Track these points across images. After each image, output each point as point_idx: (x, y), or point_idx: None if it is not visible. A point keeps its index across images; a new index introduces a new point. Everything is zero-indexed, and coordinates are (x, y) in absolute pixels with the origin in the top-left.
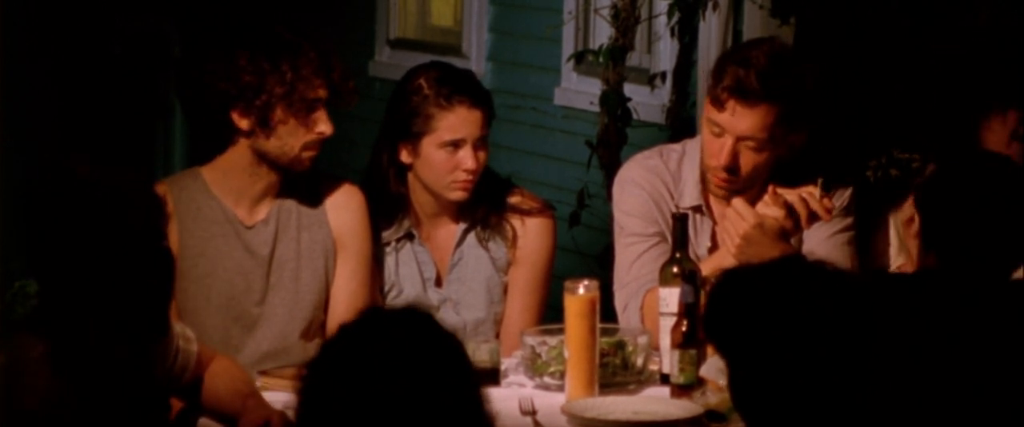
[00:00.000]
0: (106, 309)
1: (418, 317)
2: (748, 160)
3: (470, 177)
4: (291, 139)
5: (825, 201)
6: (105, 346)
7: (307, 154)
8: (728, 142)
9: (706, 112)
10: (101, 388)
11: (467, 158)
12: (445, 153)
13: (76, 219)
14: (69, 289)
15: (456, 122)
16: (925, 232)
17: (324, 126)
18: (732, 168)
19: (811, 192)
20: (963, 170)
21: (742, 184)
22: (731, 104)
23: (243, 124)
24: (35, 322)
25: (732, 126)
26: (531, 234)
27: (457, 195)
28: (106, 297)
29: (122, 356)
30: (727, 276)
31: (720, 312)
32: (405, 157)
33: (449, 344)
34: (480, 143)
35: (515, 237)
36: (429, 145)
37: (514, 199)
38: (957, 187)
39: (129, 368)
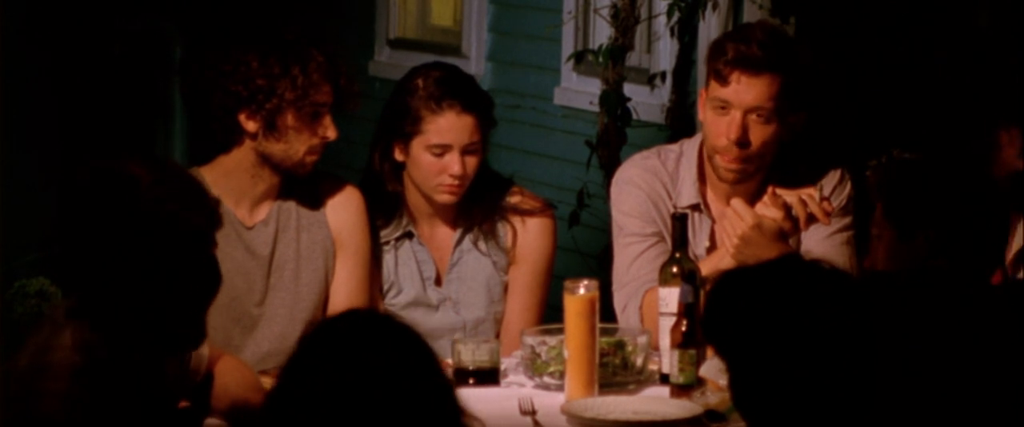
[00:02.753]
0: (151, 313)
1: (380, 319)
2: (758, 133)
3: (456, 182)
4: (296, 143)
5: (825, 204)
6: (138, 352)
7: (310, 158)
8: (736, 116)
9: (709, 93)
10: (120, 393)
11: (453, 163)
12: (431, 156)
13: (133, 222)
14: (116, 296)
15: (444, 126)
16: (901, 236)
17: (330, 131)
18: (743, 142)
19: (811, 194)
20: (930, 168)
21: (753, 163)
22: (735, 76)
23: (250, 126)
24: (64, 323)
25: (739, 99)
26: (531, 234)
27: (443, 198)
28: (153, 301)
29: (151, 361)
30: (724, 278)
31: (718, 313)
32: (398, 155)
33: (413, 344)
34: (470, 149)
35: (515, 237)
36: (417, 146)
37: (514, 199)
38: (932, 195)
39: (149, 374)
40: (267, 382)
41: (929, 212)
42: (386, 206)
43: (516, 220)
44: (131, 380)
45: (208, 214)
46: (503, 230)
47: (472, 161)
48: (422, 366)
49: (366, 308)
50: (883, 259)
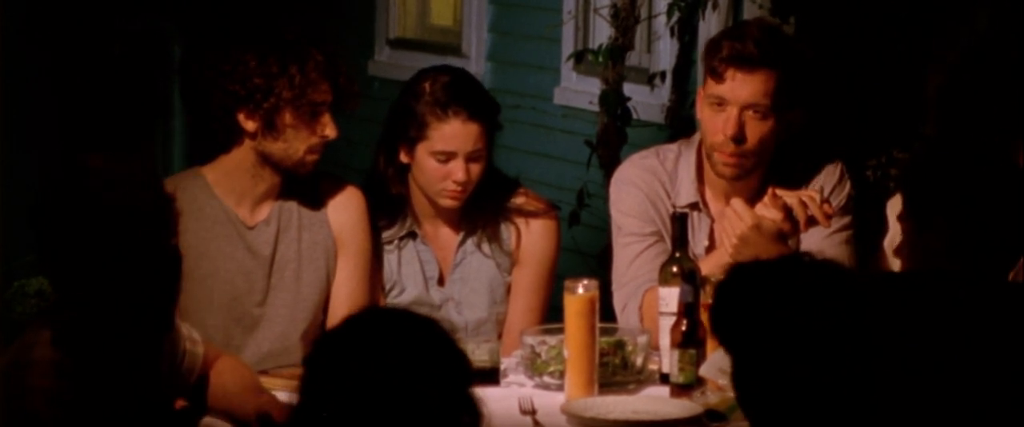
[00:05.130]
0: (114, 305)
1: (415, 317)
2: (754, 130)
3: (459, 188)
4: (296, 142)
5: (825, 206)
6: (110, 344)
7: (310, 157)
8: (733, 112)
9: (706, 90)
10: (105, 388)
11: (457, 170)
12: (436, 162)
13: (88, 214)
14: (78, 285)
15: (449, 134)
16: (919, 227)
17: (329, 129)
18: (739, 138)
19: (812, 196)
20: (956, 167)
21: (750, 160)
22: (731, 73)
23: (249, 126)
24: (44, 320)
25: (735, 95)
26: (535, 235)
27: (447, 203)
28: (114, 293)
29: (126, 355)
30: (734, 272)
31: (727, 308)
32: (403, 158)
33: (445, 344)
34: (474, 156)
35: (519, 238)
36: (422, 151)
37: (518, 200)
38: (951, 183)
39: (133, 368)
40: (266, 382)
41: (948, 199)
42: (390, 206)
43: (520, 222)
44: (115, 375)
45: (158, 205)
46: (507, 232)
47: (476, 168)
48: (449, 358)
49: (386, 307)
50: (904, 252)
